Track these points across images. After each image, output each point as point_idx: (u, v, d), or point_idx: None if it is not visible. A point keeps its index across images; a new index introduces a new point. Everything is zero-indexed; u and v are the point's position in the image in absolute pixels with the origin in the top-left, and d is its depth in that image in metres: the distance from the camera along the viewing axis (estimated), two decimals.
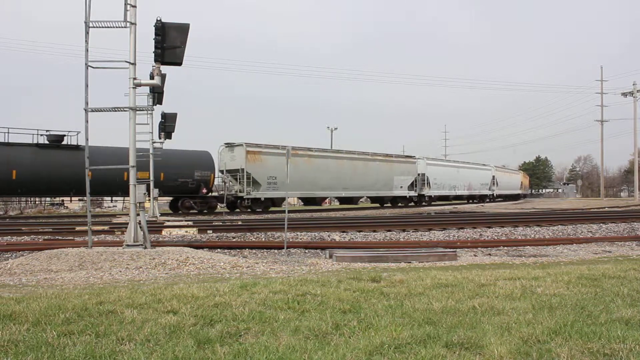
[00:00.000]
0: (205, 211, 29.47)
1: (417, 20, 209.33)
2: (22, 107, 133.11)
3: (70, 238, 13.51)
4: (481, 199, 54.37)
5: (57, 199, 34.78)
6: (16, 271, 8.36)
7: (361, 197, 40.43)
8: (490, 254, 11.47)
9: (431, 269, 7.90)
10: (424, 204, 43.16)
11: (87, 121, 9.88)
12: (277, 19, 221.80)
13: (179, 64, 9.85)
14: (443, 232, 15.46)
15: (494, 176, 56.14)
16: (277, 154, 29.96)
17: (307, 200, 37.35)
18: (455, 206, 43.68)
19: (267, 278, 6.79)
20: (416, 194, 41.79)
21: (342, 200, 39.16)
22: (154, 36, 9.55)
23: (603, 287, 5.43)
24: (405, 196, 40.97)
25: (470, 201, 53.31)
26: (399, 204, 41.05)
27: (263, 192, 30.28)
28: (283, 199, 30.56)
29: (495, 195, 56.58)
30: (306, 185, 32.55)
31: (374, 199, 40.93)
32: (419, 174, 42.12)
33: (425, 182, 42.53)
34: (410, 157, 43.08)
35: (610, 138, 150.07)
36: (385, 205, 40.52)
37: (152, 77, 10.61)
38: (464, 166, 51.65)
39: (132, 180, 10.00)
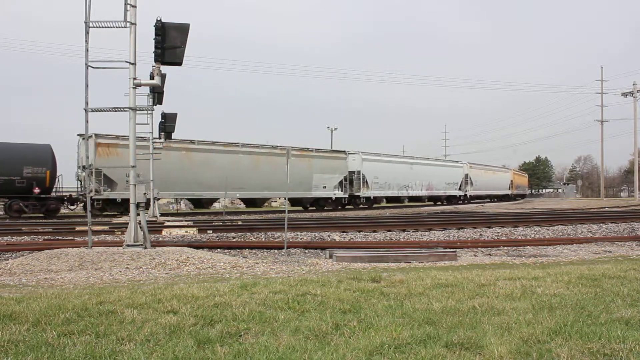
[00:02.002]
0: (42, 215, 24.35)
1: (417, 20, 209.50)
2: (22, 107, 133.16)
3: (70, 238, 13.51)
4: (448, 200, 47.94)
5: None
6: (16, 271, 8.36)
7: (269, 199, 35.57)
8: (490, 254, 11.47)
9: (431, 269, 7.90)
10: (361, 206, 37.33)
11: (87, 121, 9.89)
12: (277, 19, 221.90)
13: (179, 64, 9.85)
14: (443, 232, 15.46)
15: (466, 174, 49.76)
16: (139, 146, 25.84)
17: (196, 202, 32.39)
18: (402, 209, 37.78)
19: (267, 278, 6.79)
20: (347, 195, 35.83)
21: (245, 202, 34.41)
22: (154, 36, 9.55)
23: (603, 287, 5.43)
24: (330, 198, 34.79)
25: (439, 203, 47.44)
26: (326, 207, 34.97)
27: (120, 191, 25.37)
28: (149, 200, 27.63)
29: (469, 196, 50.38)
30: (184, 184, 27.88)
31: (293, 201, 35.13)
32: (351, 172, 36.26)
33: (362, 181, 36.53)
34: (339, 151, 36.72)
35: (610, 138, 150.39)
36: (310, 208, 35.06)
37: (152, 77, 10.61)
38: (422, 163, 45.12)
39: (132, 180, 10.01)
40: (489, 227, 16.50)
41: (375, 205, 39.48)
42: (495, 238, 14.25)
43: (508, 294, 5.11)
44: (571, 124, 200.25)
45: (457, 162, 51.12)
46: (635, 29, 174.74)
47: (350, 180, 36.24)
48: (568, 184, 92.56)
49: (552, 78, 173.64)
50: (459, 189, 48.90)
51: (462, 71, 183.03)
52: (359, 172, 36.49)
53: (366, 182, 37.05)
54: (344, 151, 36.75)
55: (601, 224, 17.13)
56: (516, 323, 3.96)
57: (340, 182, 35.54)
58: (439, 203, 47.34)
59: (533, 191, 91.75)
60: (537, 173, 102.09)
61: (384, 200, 42.95)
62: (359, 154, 36.98)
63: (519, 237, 14.42)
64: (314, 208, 34.94)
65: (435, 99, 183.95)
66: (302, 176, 32.01)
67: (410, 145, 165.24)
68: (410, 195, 43.23)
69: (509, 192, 61.97)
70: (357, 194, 36.62)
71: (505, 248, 12.45)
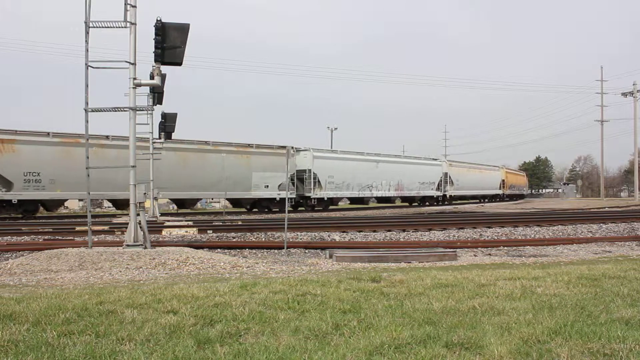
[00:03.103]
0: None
1: (417, 20, 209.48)
2: (23, 107, 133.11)
3: (70, 238, 13.51)
4: (424, 201, 44.04)
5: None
6: (16, 271, 8.36)
7: (199, 199, 32.33)
8: (490, 254, 11.47)
9: (431, 269, 7.90)
10: (317, 208, 33.83)
11: (87, 121, 9.89)
12: (277, 19, 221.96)
13: (179, 64, 9.85)
14: (443, 232, 15.46)
15: (446, 173, 45.54)
16: (43, 142, 23.46)
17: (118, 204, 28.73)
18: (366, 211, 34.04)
19: (267, 278, 6.79)
20: (294, 196, 32.26)
21: (177, 203, 31.47)
22: (154, 36, 9.55)
23: (603, 287, 5.43)
24: (274, 198, 31.20)
25: (415, 204, 43.52)
26: (273, 209, 31.56)
27: (17, 192, 23.03)
28: (59, 202, 26.12)
29: (449, 196, 46.28)
30: (96, 184, 23.85)
31: (232, 203, 32.79)
32: (301, 170, 32.82)
33: (314, 180, 32.89)
34: (285, 147, 32.29)
35: (610, 138, 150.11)
36: (253, 210, 32.07)
37: (152, 77, 10.61)
38: (390, 160, 40.42)
39: (132, 180, 10.01)
40: (489, 227, 16.50)
41: (331, 207, 35.95)
42: (495, 238, 14.25)
43: (508, 294, 5.11)
44: (571, 124, 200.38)
45: (435, 159, 46.89)
46: (635, 29, 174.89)
47: (301, 179, 32.85)
48: (568, 184, 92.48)
49: (552, 78, 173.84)
50: (437, 188, 44.75)
51: (462, 71, 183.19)
52: (309, 170, 32.72)
53: (318, 181, 33.39)
54: (291, 147, 32.81)
55: (601, 224, 17.13)
56: (516, 323, 3.96)
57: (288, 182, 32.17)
58: (415, 204, 43.60)
59: (533, 191, 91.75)
60: (537, 173, 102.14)
61: (348, 201, 40.05)
62: (310, 151, 33.52)
63: (519, 237, 14.42)
64: (256, 210, 31.91)
65: (435, 99, 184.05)
66: (239, 175, 29.23)
67: (410, 145, 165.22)
68: (375, 196, 39.58)
69: (500, 192, 57.87)
70: (308, 194, 32.80)
71: (505, 248, 12.45)
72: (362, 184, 37.11)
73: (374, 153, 39.63)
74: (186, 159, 27.84)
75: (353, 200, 39.70)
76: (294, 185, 32.37)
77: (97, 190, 24.39)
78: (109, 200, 29.81)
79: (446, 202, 46.01)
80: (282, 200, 30.25)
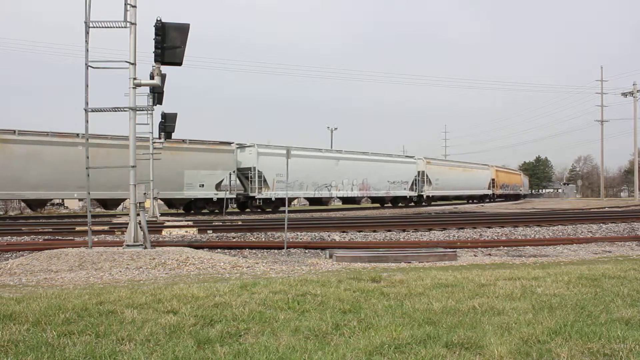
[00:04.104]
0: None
1: (417, 20, 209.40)
2: (22, 107, 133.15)
3: (70, 238, 13.52)
4: (395, 202, 40.34)
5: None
6: (16, 271, 8.36)
7: (124, 199, 28.05)
8: (490, 254, 11.47)
9: (431, 269, 7.90)
10: (267, 209, 31.13)
11: (87, 121, 9.89)
12: (277, 19, 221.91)
13: (179, 64, 9.85)
14: (443, 232, 15.47)
15: (422, 172, 41.90)
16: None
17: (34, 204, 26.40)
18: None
19: (267, 278, 6.79)
20: (234, 196, 29.90)
21: (101, 203, 28.81)
22: (154, 36, 9.55)
23: (603, 287, 5.43)
24: (211, 198, 28.77)
25: (389, 205, 40.30)
26: (215, 210, 29.08)
27: None
28: None
29: (427, 197, 42.64)
30: (3, 183, 23.49)
31: (166, 202, 30.23)
32: (245, 169, 30.28)
33: (260, 179, 30.17)
34: (224, 143, 30.10)
35: (610, 138, 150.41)
36: (191, 212, 29.53)
37: (152, 77, 10.61)
38: (354, 157, 36.75)
39: (132, 180, 10.01)
40: (489, 227, 16.51)
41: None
42: (495, 238, 14.25)
43: (508, 294, 5.11)
44: (571, 124, 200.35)
45: (410, 157, 43.37)
46: (635, 29, 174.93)
47: (246, 177, 30.49)
48: (568, 184, 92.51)
49: (552, 78, 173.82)
50: (412, 188, 40.96)
51: (462, 71, 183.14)
52: (254, 168, 29.89)
53: (264, 180, 30.39)
54: (231, 143, 30.23)
55: (601, 224, 17.14)
56: (516, 323, 3.96)
57: (222, 181, 29.39)
58: (388, 205, 40.11)
59: (533, 191, 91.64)
60: (537, 173, 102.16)
61: (307, 202, 36.74)
62: (255, 147, 30.30)
63: (519, 237, 14.42)
64: (192, 211, 29.38)
65: (435, 99, 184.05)
66: (169, 173, 26.37)
67: (410, 146, 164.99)
68: (336, 196, 36.45)
69: (489, 192, 53.85)
70: (252, 194, 30.02)
71: (505, 248, 12.45)
72: (318, 183, 33.84)
73: (334, 150, 37.09)
74: (109, 155, 24.37)
75: (311, 201, 36.78)
76: (242, 185, 30.68)
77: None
78: (96, 200, 28.52)
79: (423, 203, 42.42)
80: (220, 200, 28.54)
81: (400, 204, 40.42)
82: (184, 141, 28.25)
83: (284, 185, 30.12)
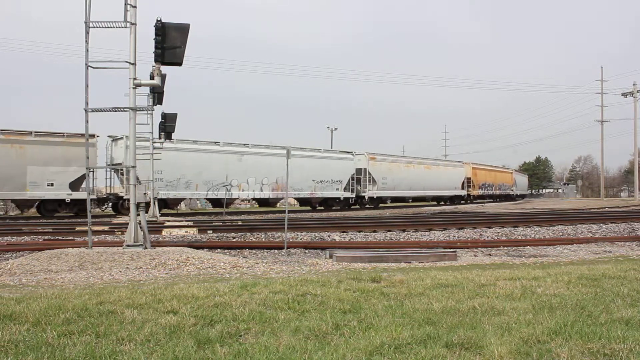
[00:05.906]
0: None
1: (417, 20, 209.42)
2: (22, 107, 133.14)
3: (70, 238, 13.51)
4: (328, 204, 34.45)
5: None
6: (16, 271, 8.36)
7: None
8: (490, 254, 11.46)
9: (431, 269, 7.90)
10: (158, 217, 24.20)
11: (87, 121, 9.88)
12: (277, 19, 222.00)
13: (179, 64, 9.85)
14: (443, 232, 15.47)
15: (363, 169, 35.98)
16: None
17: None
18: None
19: (267, 278, 6.79)
20: (95, 197, 25.07)
21: None
22: (154, 36, 9.55)
23: (603, 287, 5.43)
24: (64, 199, 24.20)
25: (322, 208, 34.34)
26: (68, 212, 24.84)
27: None
28: None
29: (369, 197, 36.33)
30: None
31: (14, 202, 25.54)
32: (115, 164, 25.70)
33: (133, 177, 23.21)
34: (82, 135, 21.73)
35: (610, 138, 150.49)
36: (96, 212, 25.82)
37: (152, 77, 10.61)
38: (262, 152, 30.65)
39: (132, 180, 10.02)
40: (489, 227, 16.51)
41: (165, 211, 27.74)
42: (495, 238, 14.25)
43: (508, 294, 5.11)
44: (571, 124, 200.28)
45: (347, 152, 35.98)
46: (635, 29, 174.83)
47: (118, 174, 26.19)
48: (568, 184, 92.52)
49: (552, 78, 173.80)
50: (349, 189, 35.11)
51: (462, 71, 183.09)
52: (120, 164, 25.18)
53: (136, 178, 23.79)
54: (92, 135, 24.05)
55: (601, 224, 17.14)
56: (516, 323, 3.96)
57: (79, 178, 24.60)
58: (321, 208, 34.40)
59: (533, 191, 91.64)
60: (537, 173, 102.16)
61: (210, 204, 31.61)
62: (124, 139, 24.81)
63: (519, 237, 14.42)
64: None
65: (435, 99, 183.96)
66: (7, 169, 22.90)
67: (410, 146, 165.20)
68: (239, 197, 31.28)
69: (463, 192, 47.28)
70: (121, 194, 25.62)
71: (505, 248, 12.45)
72: (214, 182, 28.73)
73: (237, 143, 30.38)
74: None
75: (212, 202, 31.83)
76: (130, 183, 24.78)
77: None
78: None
79: (367, 206, 36.47)
80: (76, 201, 24.48)
81: (334, 207, 34.59)
82: (27, 133, 23.69)
83: (165, 184, 26.47)
